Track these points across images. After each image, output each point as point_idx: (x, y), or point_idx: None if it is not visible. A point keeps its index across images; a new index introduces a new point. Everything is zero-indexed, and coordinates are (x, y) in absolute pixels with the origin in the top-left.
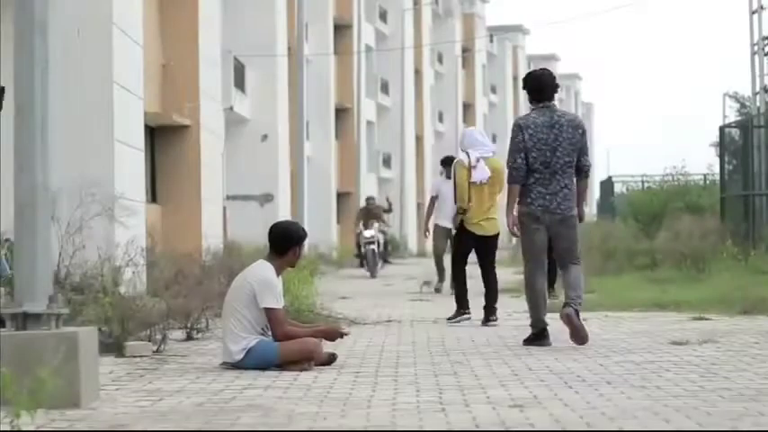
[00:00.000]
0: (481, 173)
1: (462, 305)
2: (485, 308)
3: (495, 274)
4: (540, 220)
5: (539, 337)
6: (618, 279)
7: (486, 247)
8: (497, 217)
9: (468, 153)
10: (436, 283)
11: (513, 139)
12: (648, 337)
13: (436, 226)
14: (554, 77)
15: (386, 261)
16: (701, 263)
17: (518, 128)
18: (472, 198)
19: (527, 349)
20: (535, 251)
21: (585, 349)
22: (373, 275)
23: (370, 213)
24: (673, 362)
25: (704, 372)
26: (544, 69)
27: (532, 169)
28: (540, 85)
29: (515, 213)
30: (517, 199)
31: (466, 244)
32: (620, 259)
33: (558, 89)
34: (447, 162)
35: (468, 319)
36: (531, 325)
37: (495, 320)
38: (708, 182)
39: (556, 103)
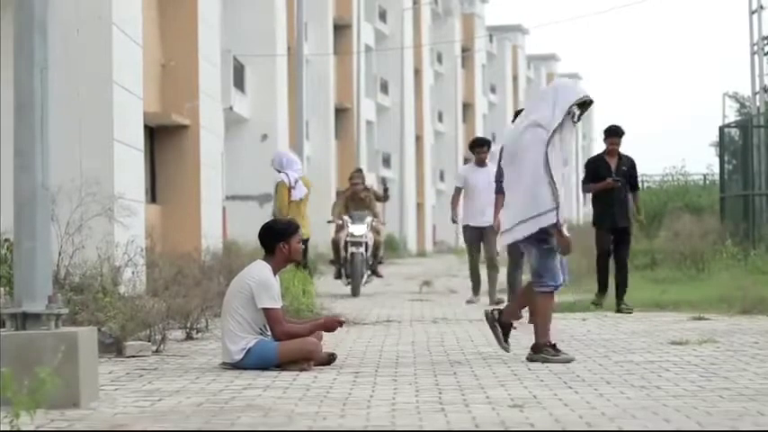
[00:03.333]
0: (300, 191)
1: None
2: None
3: (309, 271)
4: None
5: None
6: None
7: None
8: (308, 224)
9: (287, 174)
10: (471, 296)
11: (499, 160)
12: (648, 337)
13: (466, 227)
14: None
15: (374, 273)
16: (701, 263)
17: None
18: (291, 213)
19: (526, 348)
20: (513, 253)
21: (585, 349)
22: (355, 293)
23: (358, 199)
24: (673, 362)
25: (704, 372)
26: None
27: None
28: None
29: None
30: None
31: None
32: None
33: None
34: (478, 144)
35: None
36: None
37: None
38: (708, 182)
39: None
